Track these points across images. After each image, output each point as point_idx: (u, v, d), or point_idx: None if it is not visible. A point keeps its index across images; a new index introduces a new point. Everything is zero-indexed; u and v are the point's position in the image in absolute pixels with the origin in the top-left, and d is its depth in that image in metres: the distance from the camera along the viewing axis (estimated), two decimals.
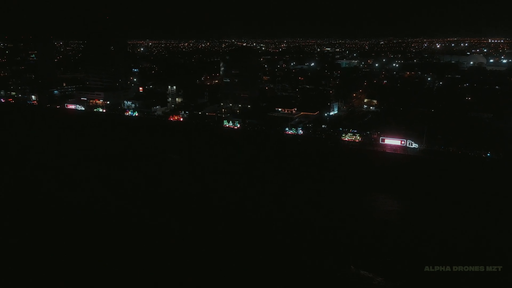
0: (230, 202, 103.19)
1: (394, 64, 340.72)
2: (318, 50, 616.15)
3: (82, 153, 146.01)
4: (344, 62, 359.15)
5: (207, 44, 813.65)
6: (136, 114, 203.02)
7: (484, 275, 67.32)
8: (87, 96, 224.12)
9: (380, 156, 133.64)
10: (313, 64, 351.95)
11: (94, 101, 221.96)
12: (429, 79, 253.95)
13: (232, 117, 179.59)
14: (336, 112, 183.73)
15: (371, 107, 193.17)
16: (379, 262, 76.14)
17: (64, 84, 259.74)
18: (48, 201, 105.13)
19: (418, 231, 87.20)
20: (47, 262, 78.49)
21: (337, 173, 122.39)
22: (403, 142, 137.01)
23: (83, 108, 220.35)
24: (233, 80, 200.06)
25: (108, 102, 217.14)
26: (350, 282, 71.78)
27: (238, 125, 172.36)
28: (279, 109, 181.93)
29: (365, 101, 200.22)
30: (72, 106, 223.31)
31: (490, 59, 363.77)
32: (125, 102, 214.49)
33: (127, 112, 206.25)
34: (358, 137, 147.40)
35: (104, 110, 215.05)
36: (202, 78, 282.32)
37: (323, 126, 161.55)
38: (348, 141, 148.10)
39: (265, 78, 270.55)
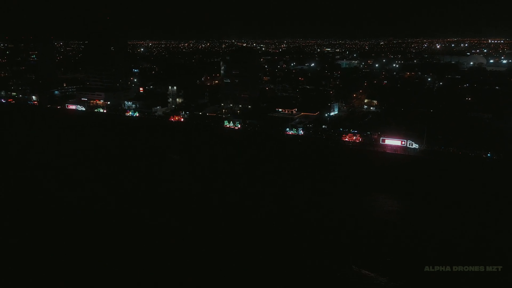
0: (230, 202, 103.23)
1: (394, 65, 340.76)
2: (318, 50, 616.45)
3: (83, 153, 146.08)
4: (344, 63, 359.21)
5: (207, 44, 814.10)
6: (137, 115, 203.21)
7: (484, 275, 67.29)
8: (87, 97, 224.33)
9: (381, 156, 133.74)
10: (313, 64, 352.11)
11: (95, 101, 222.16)
12: (429, 79, 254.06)
13: (233, 117, 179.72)
14: (336, 112, 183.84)
15: (371, 108, 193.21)
16: (379, 262, 76.14)
17: (65, 85, 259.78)
18: (48, 201, 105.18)
19: (418, 231, 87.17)
20: (47, 262, 78.50)
21: (337, 173, 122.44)
22: (403, 143, 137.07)
23: (84, 109, 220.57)
24: (234, 80, 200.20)
25: (108, 103, 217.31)
26: (352, 282, 71.73)
27: (239, 126, 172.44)
28: (280, 110, 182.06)
29: (365, 101, 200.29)
30: (72, 107, 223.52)
31: (490, 60, 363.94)
32: (126, 102, 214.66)
33: (127, 112, 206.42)
34: (359, 138, 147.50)
35: (104, 111, 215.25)
36: (202, 79, 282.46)
37: (323, 126, 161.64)
38: (348, 142, 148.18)
39: (265, 78, 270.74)
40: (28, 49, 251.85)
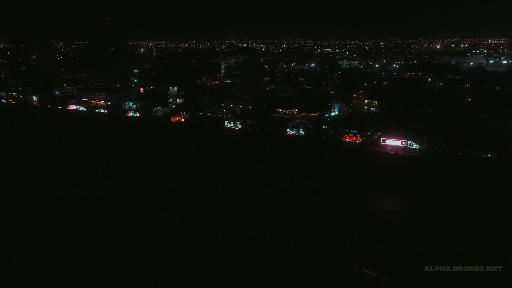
0: (230, 202, 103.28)
1: (394, 65, 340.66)
2: (318, 50, 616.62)
3: (83, 153, 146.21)
4: (344, 63, 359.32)
5: (207, 44, 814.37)
6: (137, 115, 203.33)
7: (484, 275, 67.30)
8: (88, 97, 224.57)
9: (381, 156, 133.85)
10: (313, 65, 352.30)
11: (95, 102, 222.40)
12: (429, 80, 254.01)
13: (233, 117, 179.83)
14: (336, 113, 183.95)
15: (371, 108, 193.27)
16: (380, 262, 76.16)
17: (65, 85, 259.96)
18: (48, 201, 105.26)
19: (418, 231, 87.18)
20: (47, 262, 78.55)
21: (338, 173, 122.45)
22: (403, 143, 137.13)
23: (84, 109, 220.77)
24: (234, 81, 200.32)
25: (109, 103, 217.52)
26: (353, 281, 71.73)
27: (239, 126, 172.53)
28: (280, 110, 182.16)
29: (365, 102, 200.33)
30: (73, 107, 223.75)
31: (490, 60, 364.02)
32: (126, 103, 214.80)
33: (128, 112, 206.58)
34: (359, 138, 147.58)
35: (105, 111, 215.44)
36: (203, 79, 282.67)
37: (324, 127, 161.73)
38: (349, 142, 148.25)
39: (265, 79, 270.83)
40: (29, 49, 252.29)
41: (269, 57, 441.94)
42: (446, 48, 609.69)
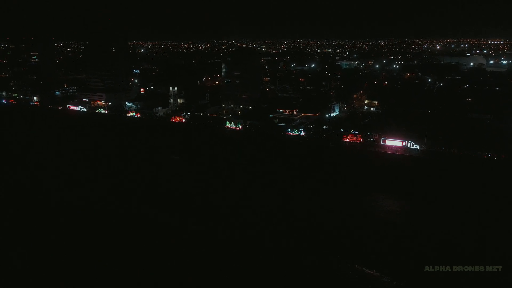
0: (230, 202, 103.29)
1: (394, 65, 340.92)
2: (318, 51, 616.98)
3: (83, 153, 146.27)
4: (344, 63, 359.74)
5: (207, 45, 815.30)
6: (138, 115, 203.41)
7: (484, 275, 67.31)
8: (88, 97, 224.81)
9: (381, 156, 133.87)
10: (313, 65, 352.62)
11: (96, 102, 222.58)
12: (429, 80, 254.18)
13: (234, 118, 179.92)
14: (337, 113, 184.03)
15: (371, 108, 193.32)
16: (379, 262, 76.14)
17: (65, 85, 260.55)
18: (48, 201, 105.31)
19: (418, 231, 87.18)
20: (47, 262, 78.58)
21: (338, 173, 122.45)
22: (404, 143, 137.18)
23: (85, 109, 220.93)
24: (234, 81, 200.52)
25: (109, 103, 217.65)
26: (354, 281, 71.69)
27: (240, 126, 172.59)
28: (280, 110, 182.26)
29: (365, 102, 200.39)
30: (74, 107, 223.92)
31: (490, 60, 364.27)
32: (127, 103, 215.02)
33: (129, 113, 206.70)
34: (359, 138, 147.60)
35: (106, 111, 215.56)
36: (203, 79, 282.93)
37: (324, 127, 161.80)
38: (349, 142, 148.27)
39: (265, 79, 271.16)
40: (29, 50, 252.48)
41: (269, 58, 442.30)
42: (446, 48, 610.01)
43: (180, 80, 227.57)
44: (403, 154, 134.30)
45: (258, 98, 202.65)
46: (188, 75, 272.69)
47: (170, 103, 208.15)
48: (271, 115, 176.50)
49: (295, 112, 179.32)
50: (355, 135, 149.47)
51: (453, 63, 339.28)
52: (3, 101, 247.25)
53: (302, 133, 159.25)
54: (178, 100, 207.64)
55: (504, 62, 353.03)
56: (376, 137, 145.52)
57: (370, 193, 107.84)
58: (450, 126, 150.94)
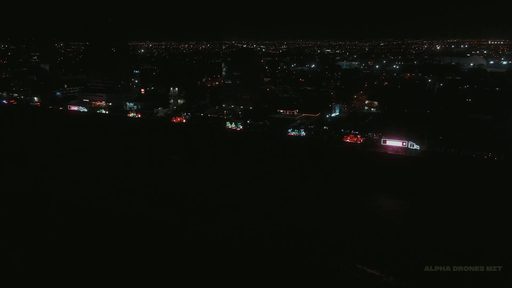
0: (230, 202, 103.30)
1: (394, 66, 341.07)
2: (319, 51, 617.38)
3: (83, 153, 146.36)
4: (344, 64, 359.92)
5: (207, 45, 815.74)
6: (139, 116, 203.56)
7: (484, 275, 67.26)
8: (89, 98, 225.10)
9: (381, 157, 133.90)
10: (313, 65, 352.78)
11: (96, 102, 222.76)
12: (429, 80, 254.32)
13: (234, 118, 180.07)
14: (337, 113, 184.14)
15: (372, 109, 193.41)
16: (379, 262, 76.11)
17: (66, 86, 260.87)
18: (48, 201, 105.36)
19: (418, 231, 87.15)
20: (47, 262, 78.61)
21: (338, 173, 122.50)
22: (404, 144, 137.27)
23: (86, 110, 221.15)
24: (235, 81, 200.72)
25: (110, 104, 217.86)
26: (355, 281, 71.67)
27: (241, 127, 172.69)
28: (281, 111, 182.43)
29: (366, 102, 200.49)
30: (74, 108, 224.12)
31: (490, 61, 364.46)
32: (127, 103, 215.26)
33: (130, 113, 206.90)
34: (360, 139, 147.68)
35: (106, 112, 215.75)
36: (203, 80, 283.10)
37: (324, 127, 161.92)
38: (349, 142, 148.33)
39: (266, 79, 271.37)
40: (30, 50, 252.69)
41: (269, 58, 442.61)
42: (446, 49, 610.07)
43: (181, 80, 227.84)
44: (404, 155, 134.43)
45: (258, 99, 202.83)
46: (188, 76, 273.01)
47: (170, 103, 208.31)
48: (271, 116, 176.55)
49: (295, 113, 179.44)
50: (355, 135, 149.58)
51: (453, 63, 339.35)
52: (4, 101, 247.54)
53: (303, 133, 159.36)
54: (179, 100, 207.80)
55: (504, 63, 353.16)
56: (377, 137, 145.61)
57: (370, 193, 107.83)
58: (450, 126, 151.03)
